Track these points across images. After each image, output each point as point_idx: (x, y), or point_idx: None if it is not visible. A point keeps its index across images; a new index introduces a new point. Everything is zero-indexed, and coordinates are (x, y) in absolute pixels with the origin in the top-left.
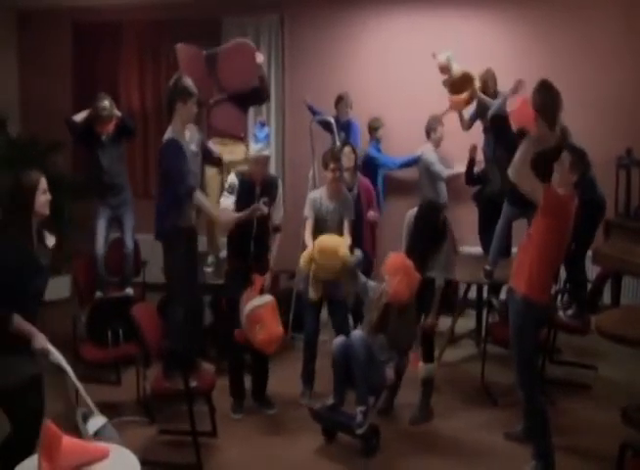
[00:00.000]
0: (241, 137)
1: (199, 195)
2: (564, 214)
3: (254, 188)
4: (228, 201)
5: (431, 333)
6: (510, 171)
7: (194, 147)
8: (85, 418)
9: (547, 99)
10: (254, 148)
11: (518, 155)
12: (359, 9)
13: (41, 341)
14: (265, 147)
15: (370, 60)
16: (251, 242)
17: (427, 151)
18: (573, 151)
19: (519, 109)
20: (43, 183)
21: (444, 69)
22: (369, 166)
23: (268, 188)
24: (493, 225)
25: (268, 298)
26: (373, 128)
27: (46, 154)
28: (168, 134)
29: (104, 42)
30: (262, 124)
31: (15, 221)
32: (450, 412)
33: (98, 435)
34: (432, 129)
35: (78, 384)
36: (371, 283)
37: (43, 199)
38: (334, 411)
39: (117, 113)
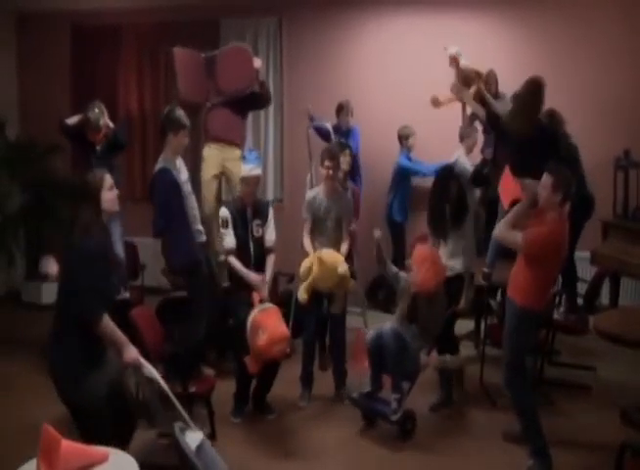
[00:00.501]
0: (237, 143)
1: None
2: (554, 249)
3: (246, 211)
4: (229, 237)
5: (456, 317)
6: (496, 230)
7: (184, 176)
8: (182, 432)
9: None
10: (245, 168)
11: (509, 217)
12: (358, 11)
13: (133, 353)
14: (256, 167)
15: (369, 62)
16: (251, 268)
17: (461, 157)
18: (553, 172)
19: (504, 186)
20: (108, 180)
21: (454, 60)
22: (400, 176)
23: (259, 210)
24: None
25: (269, 305)
26: (403, 137)
27: (45, 156)
28: (160, 164)
29: (103, 45)
30: (251, 151)
31: (89, 219)
32: (449, 412)
33: (199, 450)
34: (466, 135)
35: (174, 398)
36: (402, 274)
37: (110, 195)
38: (370, 398)
39: (109, 123)
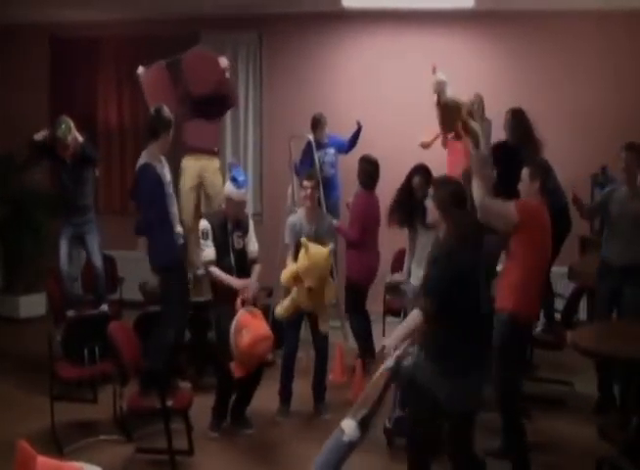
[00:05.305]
0: (214, 151)
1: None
2: (540, 223)
3: (227, 224)
4: (209, 249)
5: None
6: (478, 213)
7: (167, 173)
8: None
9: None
10: (234, 191)
11: (480, 188)
12: (338, 28)
13: None
14: (246, 191)
15: (350, 78)
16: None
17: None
18: (529, 163)
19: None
20: None
21: (440, 86)
22: None
23: (240, 222)
24: None
25: (254, 308)
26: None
27: (22, 169)
28: (143, 159)
29: (82, 58)
30: (236, 166)
31: None
32: None
33: None
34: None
35: None
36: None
37: None
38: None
39: (78, 137)
